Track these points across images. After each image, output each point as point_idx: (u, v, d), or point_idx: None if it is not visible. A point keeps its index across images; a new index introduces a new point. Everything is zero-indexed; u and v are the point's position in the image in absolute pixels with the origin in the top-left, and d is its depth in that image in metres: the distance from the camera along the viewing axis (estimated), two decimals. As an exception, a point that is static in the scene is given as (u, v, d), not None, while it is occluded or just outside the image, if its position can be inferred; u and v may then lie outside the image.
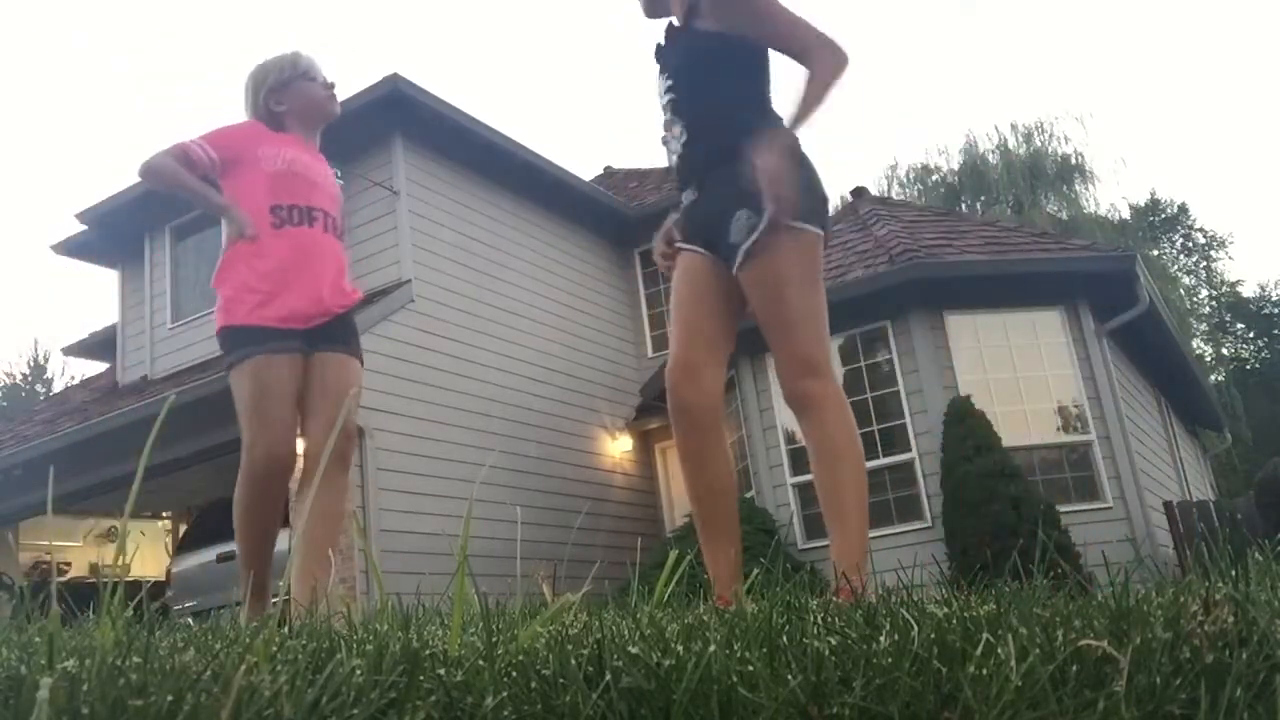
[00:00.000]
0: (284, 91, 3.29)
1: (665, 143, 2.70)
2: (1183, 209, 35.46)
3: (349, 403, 3.02)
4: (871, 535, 8.38)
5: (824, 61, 2.39)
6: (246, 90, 3.33)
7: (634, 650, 1.01)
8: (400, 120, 10.10)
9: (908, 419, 8.70)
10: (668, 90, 2.58)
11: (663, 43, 2.64)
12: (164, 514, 13.50)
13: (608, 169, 16.13)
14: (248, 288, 3.03)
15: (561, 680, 0.96)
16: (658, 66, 2.64)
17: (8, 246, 55.45)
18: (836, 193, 36.98)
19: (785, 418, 9.31)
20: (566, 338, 11.20)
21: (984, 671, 0.91)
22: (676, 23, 2.63)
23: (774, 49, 2.49)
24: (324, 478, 2.97)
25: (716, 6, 2.47)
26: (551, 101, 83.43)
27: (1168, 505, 9.04)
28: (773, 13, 2.44)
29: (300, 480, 3.15)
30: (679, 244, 2.66)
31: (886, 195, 22.81)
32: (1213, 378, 28.71)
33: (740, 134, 2.36)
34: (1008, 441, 7.98)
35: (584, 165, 24.08)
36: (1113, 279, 9.15)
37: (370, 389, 8.81)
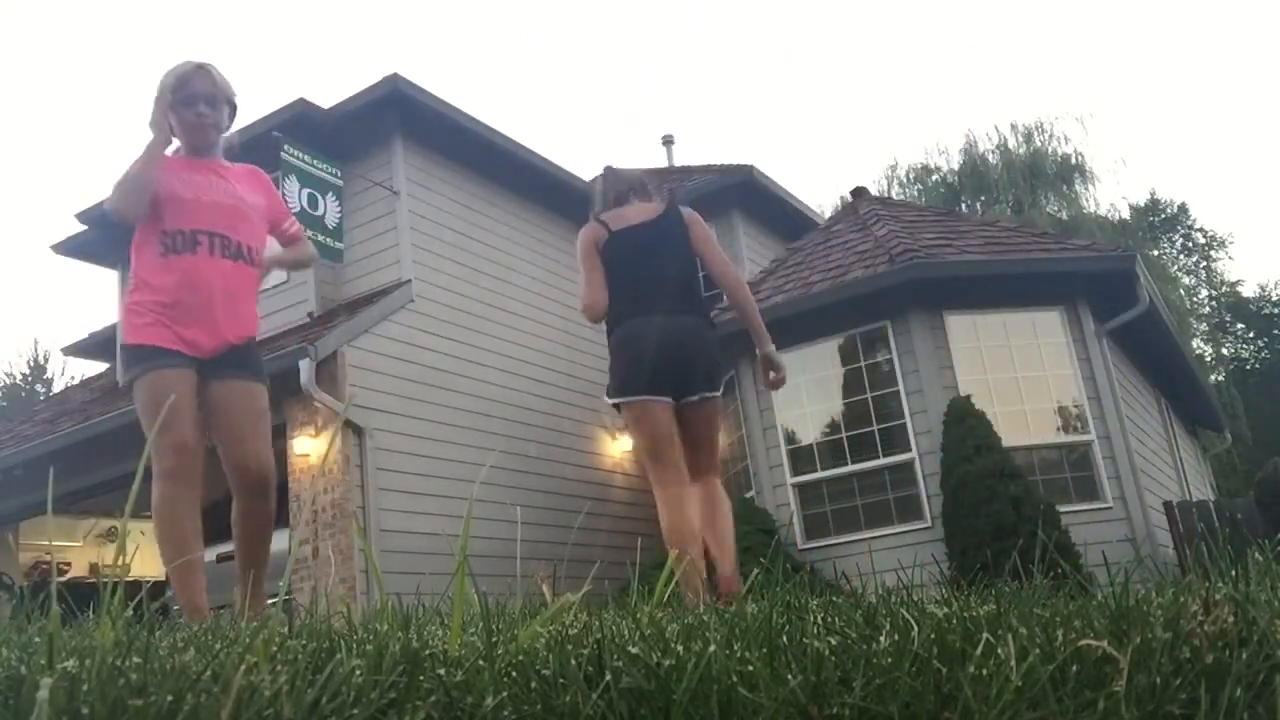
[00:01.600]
0: (171, 114, 3.22)
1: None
2: (1183, 209, 35.46)
3: (261, 436, 3.06)
4: (871, 535, 8.43)
5: (742, 289, 3.88)
6: None
7: (634, 650, 1.01)
8: (400, 120, 10.10)
9: (908, 419, 8.70)
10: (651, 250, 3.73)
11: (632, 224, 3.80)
12: (164, 514, 13.48)
13: (608, 169, 16.11)
14: (145, 307, 3.02)
15: (561, 680, 0.96)
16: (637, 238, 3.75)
17: (8, 246, 55.46)
18: (837, 193, 36.84)
19: (785, 418, 9.32)
20: (567, 337, 11.19)
21: (984, 671, 0.91)
22: (636, 219, 3.81)
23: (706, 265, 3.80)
24: (244, 508, 3.06)
25: (693, 225, 3.79)
26: (551, 101, 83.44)
27: (1168, 505, 9.04)
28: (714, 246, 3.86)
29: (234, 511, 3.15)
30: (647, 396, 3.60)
31: (886, 195, 22.82)
32: (1213, 378, 28.71)
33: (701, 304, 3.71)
34: (1008, 441, 7.98)
35: (584, 165, 24.09)
36: (1113, 279, 9.15)
37: (370, 389, 8.82)
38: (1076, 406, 8.82)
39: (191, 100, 3.21)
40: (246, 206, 3.26)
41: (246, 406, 3.07)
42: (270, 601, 3.05)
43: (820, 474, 9.03)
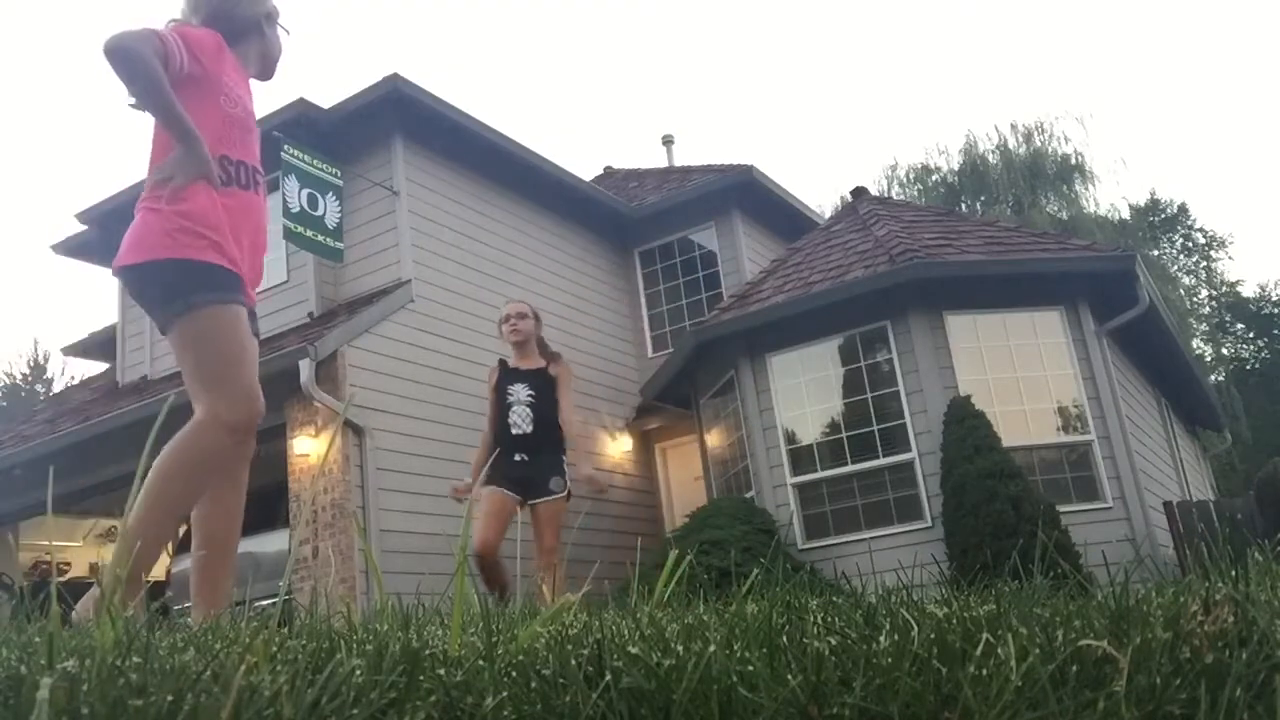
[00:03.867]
0: (270, 25, 2.88)
1: (513, 406, 4.74)
2: (1183, 209, 35.47)
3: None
4: (871, 535, 8.44)
5: (574, 433, 4.82)
6: None
7: (634, 650, 1.01)
8: (400, 120, 10.10)
9: (908, 419, 8.70)
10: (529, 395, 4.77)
11: (520, 368, 4.89)
12: (164, 514, 13.48)
13: (608, 169, 16.14)
14: (203, 227, 2.48)
15: (561, 680, 0.96)
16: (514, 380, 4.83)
17: (8, 246, 55.46)
18: (837, 193, 36.83)
19: (785, 418, 9.32)
20: (566, 338, 11.19)
21: (984, 672, 0.91)
22: (525, 367, 4.89)
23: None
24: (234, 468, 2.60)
25: (561, 374, 4.88)
26: (551, 101, 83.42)
27: (1168, 505, 9.03)
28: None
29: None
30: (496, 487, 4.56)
31: (886, 195, 22.83)
32: (1213, 378, 28.71)
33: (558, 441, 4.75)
34: (1008, 441, 7.98)
35: (584, 165, 24.10)
36: (1113, 279, 9.15)
37: (370, 389, 8.82)
38: (1076, 406, 8.81)
39: (276, 20, 2.91)
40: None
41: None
42: (269, 601, 3.04)
43: (820, 474, 9.03)
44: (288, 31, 2.98)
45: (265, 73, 2.92)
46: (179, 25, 2.67)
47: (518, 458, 4.59)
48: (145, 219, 2.50)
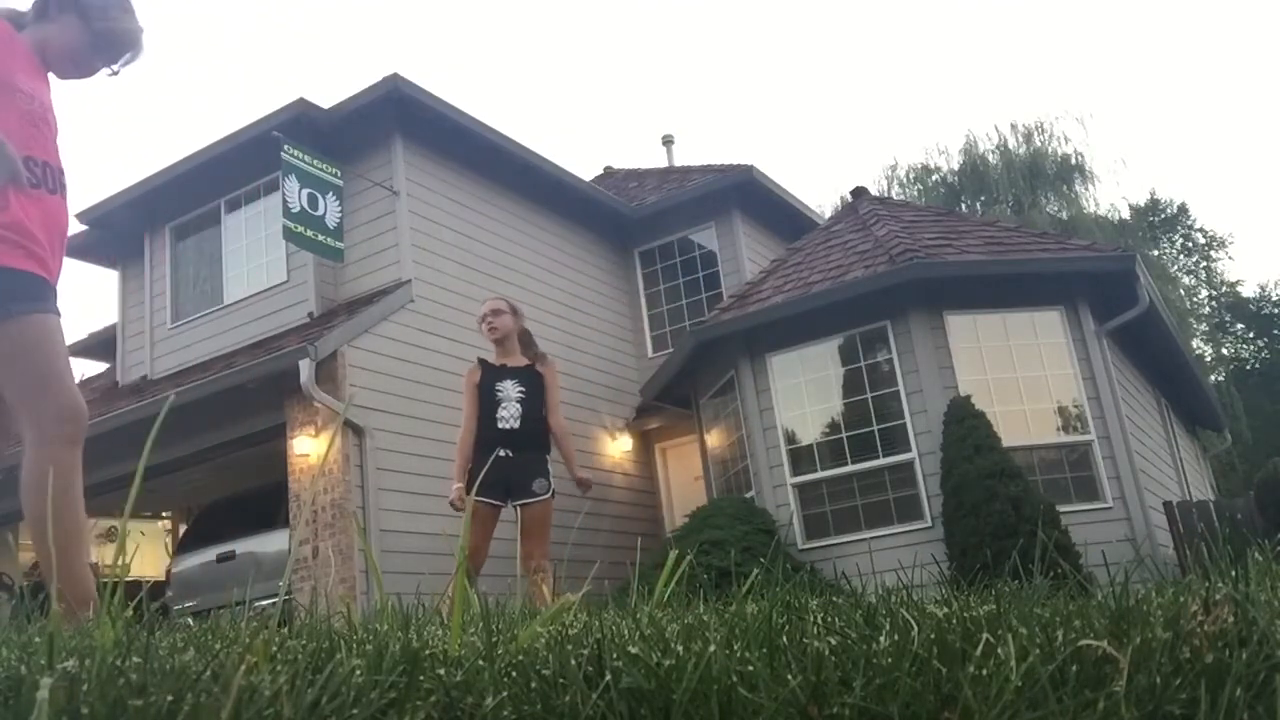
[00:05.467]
0: (92, 10, 2.59)
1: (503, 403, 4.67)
2: (1183, 209, 35.47)
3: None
4: (871, 535, 8.45)
5: (566, 433, 4.82)
6: None
7: (634, 650, 1.01)
8: (400, 120, 10.10)
9: (908, 419, 8.70)
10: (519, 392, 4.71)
11: (505, 365, 4.81)
12: (164, 514, 13.50)
13: (608, 169, 16.14)
14: (18, 235, 2.38)
15: (561, 680, 0.96)
16: (504, 378, 4.74)
17: (8, 246, 55.33)
18: (837, 193, 36.81)
19: (785, 418, 9.32)
20: (566, 338, 11.19)
21: (984, 671, 0.91)
22: (512, 364, 4.80)
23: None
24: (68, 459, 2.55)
25: (549, 374, 4.78)
26: (551, 101, 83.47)
27: (1168, 505, 9.03)
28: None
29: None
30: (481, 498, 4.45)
31: (886, 195, 22.82)
32: (1213, 378, 28.71)
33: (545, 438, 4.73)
34: (1008, 441, 7.98)
35: (584, 165, 24.10)
36: (1113, 279, 9.15)
37: (370, 389, 8.82)
38: (1076, 406, 8.81)
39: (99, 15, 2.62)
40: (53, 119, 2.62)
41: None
42: (269, 601, 3.03)
43: (820, 474, 9.03)
44: (116, 72, 2.71)
45: (65, 67, 2.64)
46: None
47: (502, 453, 4.53)
48: None
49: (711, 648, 0.97)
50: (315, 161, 9.57)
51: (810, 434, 9.23)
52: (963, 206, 24.51)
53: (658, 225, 13.00)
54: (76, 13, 2.60)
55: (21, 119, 2.47)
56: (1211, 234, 35.10)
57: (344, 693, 0.88)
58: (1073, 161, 24.48)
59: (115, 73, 2.71)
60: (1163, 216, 35.13)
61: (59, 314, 2.48)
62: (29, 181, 2.41)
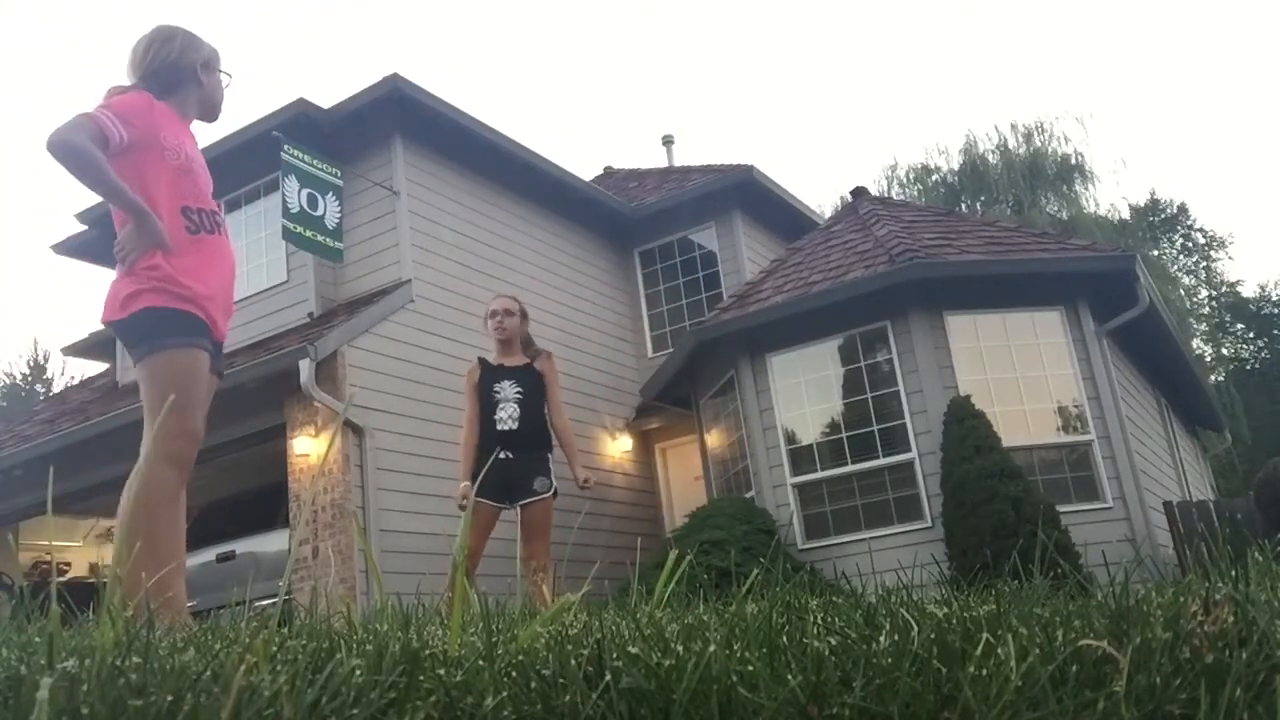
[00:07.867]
0: (209, 73, 3.01)
1: (500, 404, 4.66)
2: (1183, 209, 35.47)
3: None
4: (871, 535, 8.44)
5: (568, 430, 4.82)
6: (156, 45, 2.95)
7: (634, 650, 1.01)
8: (400, 120, 10.10)
9: (908, 419, 8.70)
10: (517, 392, 4.69)
11: (504, 364, 4.79)
12: (164, 514, 13.47)
13: (608, 169, 16.14)
14: (174, 280, 2.75)
15: (561, 680, 0.96)
16: (503, 377, 4.74)
17: (8, 246, 55.46)
18: (837, 193, 36.82)
19: (785, 418, 9.32)
20: (566, 338, 11.19)
21: (984, 671, 0.91)
22: (510, 364, 4.79)
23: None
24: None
25: (548, 371, 4.79)
26: (551, 101, 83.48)
27: (1168, 505, 9.03)
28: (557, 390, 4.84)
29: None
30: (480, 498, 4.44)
31: (886, 195, 22.83)
32: (1213, 378, 28.72)
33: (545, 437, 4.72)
34: (1008, 441, 7.98)
35: (584, 165, 24.11)
36: (1113, 279, 9.14)
37: (370, 389, 8.82)
38: (1076, 406, 8.81)
39: (216, 67, 3.07)
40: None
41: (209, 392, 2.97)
42: (269, 601, 3.05)
43: (820, 474, 9.02)
44: (230, 76, 3.15)
45: (208, 115, 3.10)
46: (109, 96, 2.86)
47: (502, 455, 4.50)
48: (120, 278, 2.78)
49: (711, 648, 0.97)
50: (315, 161, 9.57)
51: (810, 434, 9.23)
52: (963, 206, 24.51)
53: (658, 225, 12.99)
54: (219, 69, 3.09)
55: (173, 173, 2.82)
56: (1211, 234, 35.13)
57: (344, 693, 0.88)
58: (1073, 161, 24.48)
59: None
60: (1163, 216, 35.14)
61: (208, 350, 2.84)
62: (189, 229, 2.81)
